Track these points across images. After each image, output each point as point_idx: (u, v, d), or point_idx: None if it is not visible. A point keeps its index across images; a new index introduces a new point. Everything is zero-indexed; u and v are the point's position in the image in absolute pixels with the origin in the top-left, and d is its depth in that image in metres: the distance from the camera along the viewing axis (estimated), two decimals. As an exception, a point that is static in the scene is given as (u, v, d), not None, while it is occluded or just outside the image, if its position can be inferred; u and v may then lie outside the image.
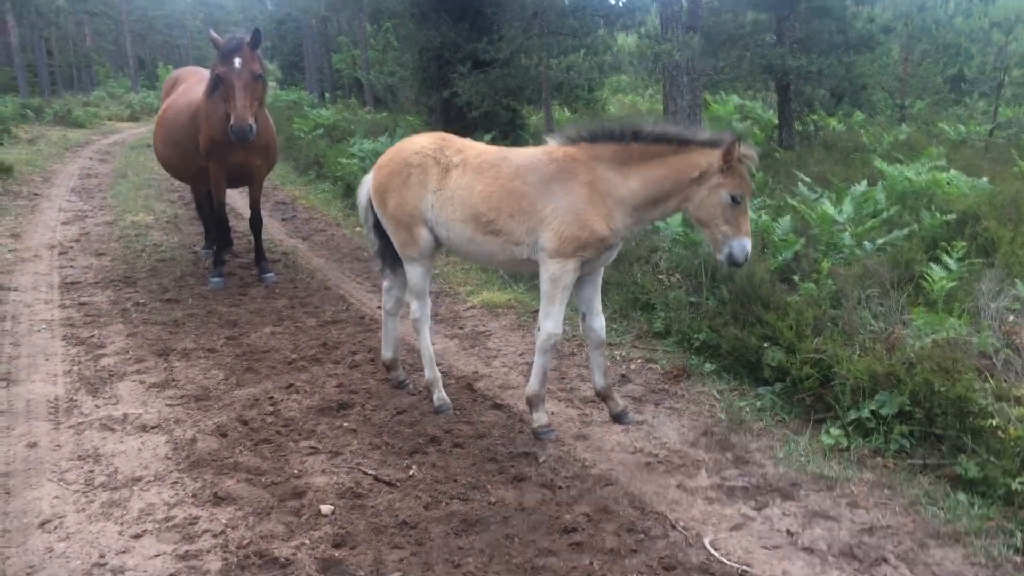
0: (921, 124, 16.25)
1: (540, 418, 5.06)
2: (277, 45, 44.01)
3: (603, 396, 5.27)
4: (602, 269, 5.14)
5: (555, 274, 4.74)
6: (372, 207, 5.44)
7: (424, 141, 5.23)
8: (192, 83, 8.97)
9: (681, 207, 4.71)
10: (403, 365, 6.03)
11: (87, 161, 19.27)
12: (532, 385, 5.03)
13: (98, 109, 33.65)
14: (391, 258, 5.59)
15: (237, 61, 7.60)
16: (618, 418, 5.23)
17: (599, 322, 5.11)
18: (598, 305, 5.13)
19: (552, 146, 4.91)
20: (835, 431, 4.81)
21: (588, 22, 13.32)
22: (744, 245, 4.56)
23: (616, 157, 4.68)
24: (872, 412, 4.78)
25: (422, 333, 5.44)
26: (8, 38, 34.18)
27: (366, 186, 5.51)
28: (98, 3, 48.08)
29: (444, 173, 5.03)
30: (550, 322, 4.84)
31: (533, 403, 5.06)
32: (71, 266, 9.21)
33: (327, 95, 32.02)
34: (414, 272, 5.32)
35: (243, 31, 7.94)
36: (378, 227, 5.50)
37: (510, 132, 14.07)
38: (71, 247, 10.12)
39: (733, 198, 4.49)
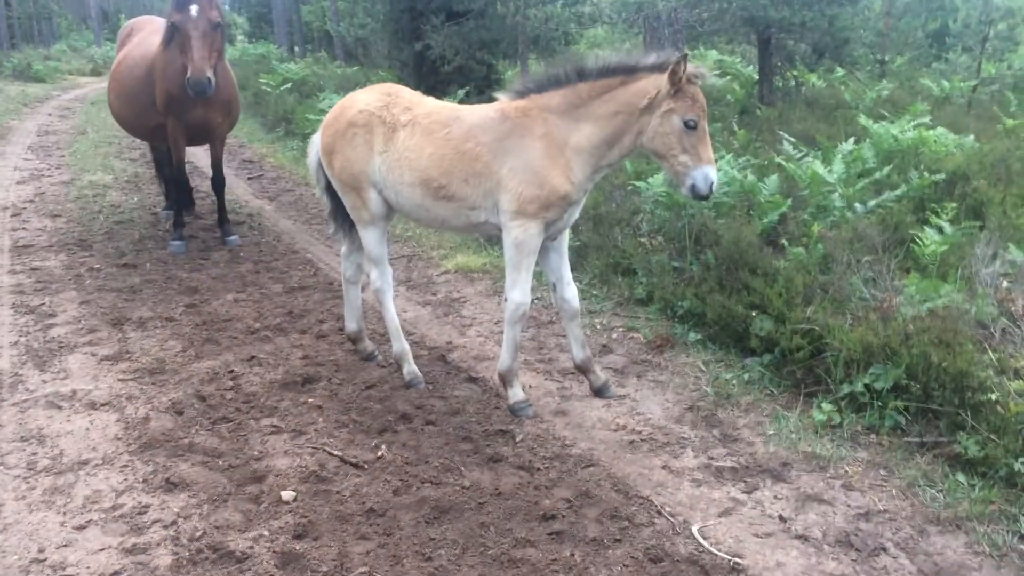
0: (903, 80, 15.97)
1: (515, 394, 4.78)
2: (244, -4, 42.83)
3: (583, 369, 4.98)
4: (567, 234, 4.85)
5: (518, 239, 4.44)
6: (322, 168, 5.14)
7: (369, 98, 4.86)
8: (148, 33, 8.45)
9: (638, 143, 4.34)
10: (372, 335, 5.72)
11: (46, 118, 18.56)
12: (504, 360, 4.75)
13: (59, 63, 32.57)
14: (344, 221, 5.29)
15: (194, 8, 7.12)
16: (599, 392, 4.96)
17: (571, 291, 4.79)
18: (568, 273, 4.81)
19: (504, 102, 4.58)
20: (827, 406, 4.57)
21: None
22: (707, 174, 4.21)
23: (567, 103, 4.37)
24: (866, 386, 4.53)
25: (385, 303, 5.11)
26: (-38, -13, 32.82)
27: (315, 146, 5.18)
28: (57, -49, 46.36)
29: (391, 133, 4.67)
30: (517, 291, 4.53)
31: (506, 379, 4.78)
32: (24, 228, 8.76)
33: (296, 49, 31.20)
34: (369, 237, 5.00)
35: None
36: (330, 188, 5.20)
37: (485, 88, 13.60)
38: (24, 208, 9.65)
39: (686, 123, 4.15)
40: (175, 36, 7.26)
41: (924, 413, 4.38)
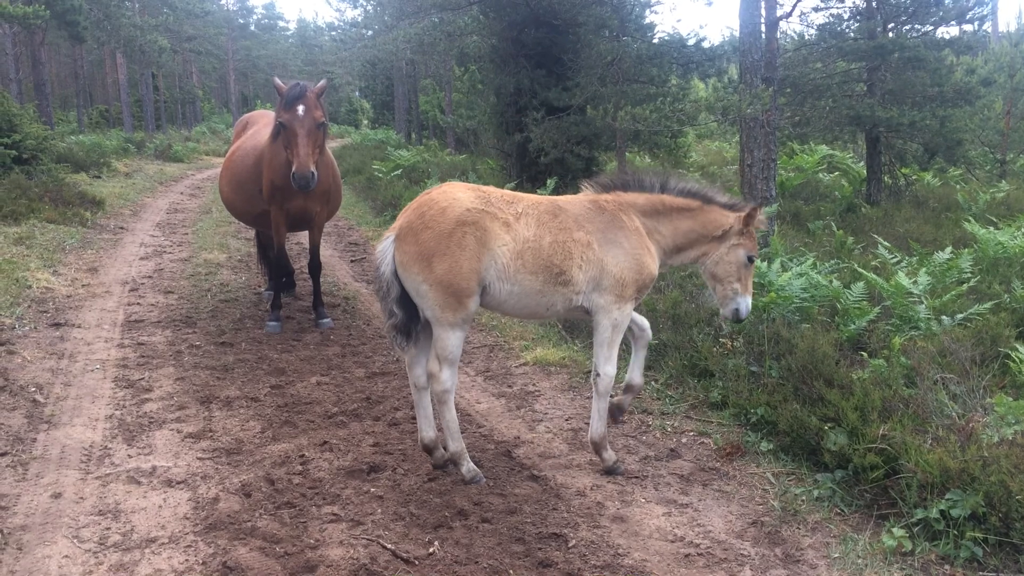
0: (1022, 182, 15.35)
1: (609, 456, 5.24)
2: (370, 85, 45.18)
3: (629, 388, 5.47)
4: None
5: (618, 320, 4.98)
6: (397, 278, 4.93)
7: (468, 195, 4.85)
8: (262, 126, 9.05)
9: (697, 260, 5.20)
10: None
11: (177, 196, 19.89)
12: (596, 429, 5.18)
13: (198, 144, 35.04)
14: (412, 328, 5.07)
15: (300, 108, 7.61)
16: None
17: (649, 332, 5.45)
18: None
19: (591, 194, 5.18)
20: (898, 531, 4.32)
21: (667, 69, 13.04)
22: (748, 303, 5.13)
23: (650, 206, 5.09)
24: (941, 512, 4.29)
25: (449, 403, 5.02)
26: (117, 75, 35.89)
27: (388, 255, 4.90)
28: (205, 43, 50.26)
29: (506, 227, 4.79)
30: (611, 366, 5.07)
31: (600, 444, 5.20)
32: (138, 303, 9.35)
33: (413, 135, 32.55)
34: (454, 339, 4.86)
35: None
36: (402, 300, 4.98)
37: (584, 179, 13.87)
38: (143, 283, 10.31)
39: (749, 258, 5.06)
40: (282, 132, 7.75)
41: (1003, 546, 4.10)
